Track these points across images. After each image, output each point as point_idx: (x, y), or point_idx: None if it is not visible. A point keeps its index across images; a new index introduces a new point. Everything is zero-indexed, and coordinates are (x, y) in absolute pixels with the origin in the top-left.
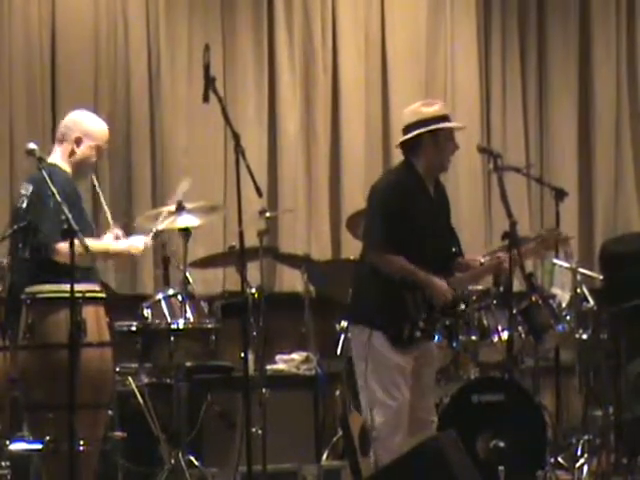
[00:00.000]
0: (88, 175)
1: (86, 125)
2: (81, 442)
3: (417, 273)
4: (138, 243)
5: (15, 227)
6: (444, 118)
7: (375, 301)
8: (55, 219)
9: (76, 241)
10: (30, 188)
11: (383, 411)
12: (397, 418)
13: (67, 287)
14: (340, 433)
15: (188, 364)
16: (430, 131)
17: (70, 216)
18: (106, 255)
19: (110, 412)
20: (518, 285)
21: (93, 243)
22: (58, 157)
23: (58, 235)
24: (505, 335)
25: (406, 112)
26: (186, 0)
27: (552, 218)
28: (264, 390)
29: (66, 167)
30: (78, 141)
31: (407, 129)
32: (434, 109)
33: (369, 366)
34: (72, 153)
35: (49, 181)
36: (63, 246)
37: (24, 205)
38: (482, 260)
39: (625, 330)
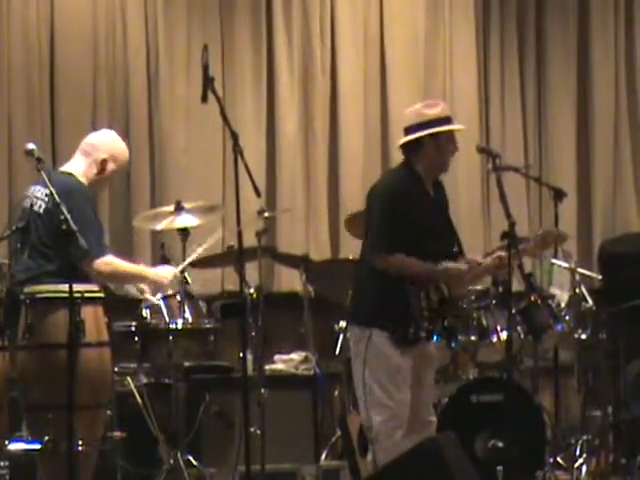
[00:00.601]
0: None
1: (114, 148)
2: (80, 442)
3: (423, 266)
4: (166, 272)
5: (14, 227)
6: (446, 120)
7: (377, 301)
8: (98, 231)
9: (112, 259)
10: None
11: (382, 411)
12: (396, 418)
13: (66, 287)
14: (339, 433)
15: (187, 364)
16: (432, 133)
17: (69, 216)
18: (137, 279)
19: (109, 412)
20: (517, 285)
21: (128, 265)
22: (79, 169)
23: (101, 250)
24: (504, 335)
25: (408, 113)
26: (185, 1)
27: (551, 218)
28: (263, 390)
29: (84, 180)
30: (104, 162)
31: (408, 130)
32: (436, 111)
33: (369, 366)
34: (95, 171)
35: (48, 182)
36: (104, 261)
37: (39, 209)
38: (481, 260)
39: (624, 330)
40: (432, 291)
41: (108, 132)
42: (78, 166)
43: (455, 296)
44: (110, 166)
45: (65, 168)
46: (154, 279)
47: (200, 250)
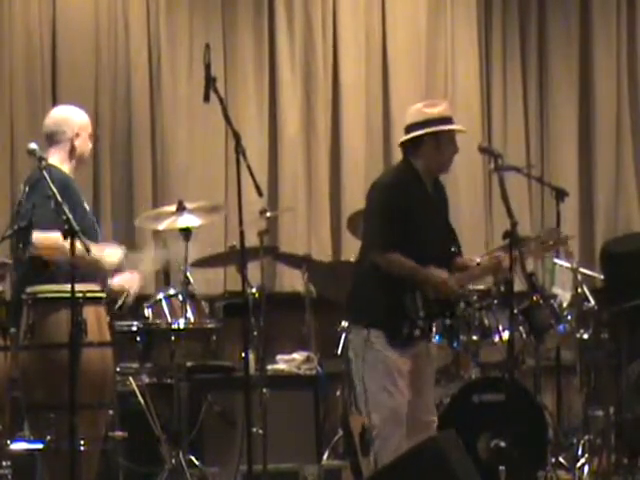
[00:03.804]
0: (86, 163)
1: (75, 119)
2: (82, 442)
3: (418, 270)
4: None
5: (15, 227)
6: (447, 120)
7: (373, 300)
8: (47, 215)
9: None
10: (26, 189)
11: (382, 410)
12: (396, 417)
13: (68, 287)
14: (341, 433)
15: (189, 364)
16: (432, 132)
17: (71, 216)
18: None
19: (111, 412)
20: (519, 285)
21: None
22: (56, 159)
23: (44, 227)
24: (506, 335)
25: (409, 111)
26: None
27: (553, 218)
28: (265, 390)
29: (64, 167)
30: (76, 137)
31: (409, 128)
32: (438, 110)
33: (367, 366)
34: (73, 150)
35: (49, 180)
36: (41, 237)
37: (19, 206)
38: (479, 260)
39: (626, 330)
40: (428, 290)
41: (61, 109)
42: (54, 158)
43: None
44: (82, 135)
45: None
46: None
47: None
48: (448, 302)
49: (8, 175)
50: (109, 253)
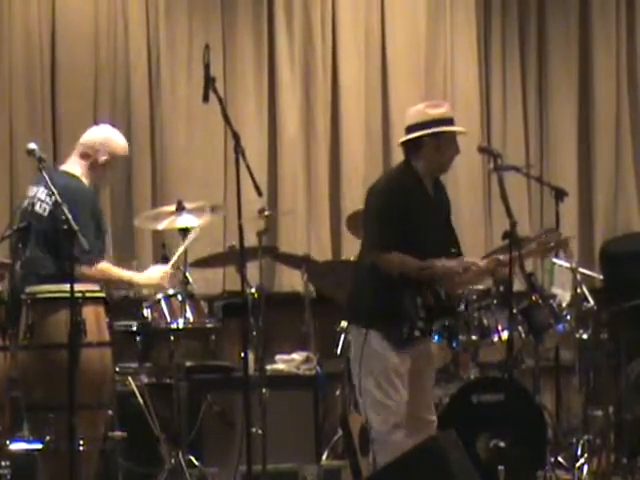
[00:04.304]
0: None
1: (114, 147)
2: (81, 442)
3: (420, 263)
4: (155, 273)
5: (15, 227)
6: (448, 121)
7: (373, 301)
8: (98, 235)
9: (106, 266)
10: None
11: (381, 411)
12: (395, 418)
13: (67, 287)
14: (340, 433)
15: (188, 364)
16: (433, 133)
17: (70, 216)
18: (127, 285)
19: (110, 412)
20: (518, 285)
21: (119, 272)
22: (79, 171)
23: (95, 255)
24: (505, 335)
25: (411, 112)
26: (186, 0)
27: (552, 218)
28: (264, 390)
29: (86, 181)
30: (106, 163)
31: (410, 129)
32: (439, 111)
33: (366, 366)
34: (95, 170)
35: (49, 182)
36: (98, 268)
37: (44, 212)
38: (480, 263)
39: (625, 330)
40: (428, 292)
41: (102, 130)
42: (77, 169)
43: (452, 297)
44: (112, 164)
45: (66, 169)
46: (144, 284)
47: (185, 245)
48: (449, 302)
49: (7, 175)
50: (150, 273)
